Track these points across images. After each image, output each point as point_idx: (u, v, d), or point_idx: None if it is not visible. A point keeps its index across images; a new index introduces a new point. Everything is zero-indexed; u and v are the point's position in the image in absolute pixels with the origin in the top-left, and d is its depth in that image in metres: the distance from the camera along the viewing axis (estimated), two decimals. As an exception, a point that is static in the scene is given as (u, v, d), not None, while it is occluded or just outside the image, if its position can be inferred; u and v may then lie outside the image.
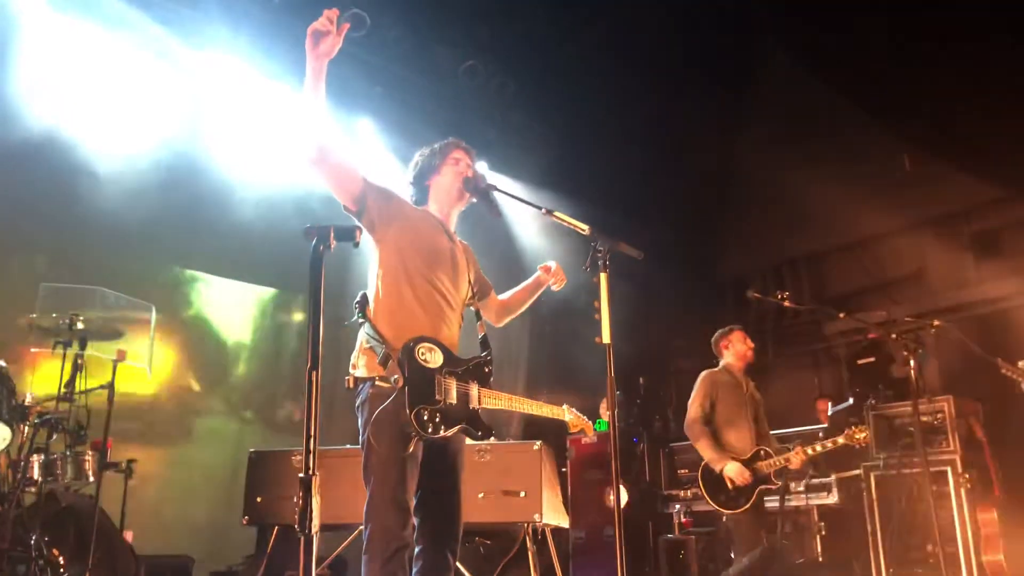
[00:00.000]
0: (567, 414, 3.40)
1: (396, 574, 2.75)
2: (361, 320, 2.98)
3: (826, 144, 7.12)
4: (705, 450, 4.94)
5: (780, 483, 5.00)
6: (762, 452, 4.94)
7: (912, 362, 4.48)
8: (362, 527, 2.81)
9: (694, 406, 5.07)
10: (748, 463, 4.87)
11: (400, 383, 2.77)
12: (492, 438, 5.16)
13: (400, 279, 3.00)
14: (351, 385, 2.93)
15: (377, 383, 2.82)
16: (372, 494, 2.82)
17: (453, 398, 2.89)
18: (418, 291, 3.00)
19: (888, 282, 7.49)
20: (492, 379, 3.10)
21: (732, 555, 5.01)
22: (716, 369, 5.26)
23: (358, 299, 3.03)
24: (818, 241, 7.97)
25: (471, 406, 2.96)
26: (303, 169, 2.91)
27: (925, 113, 6.65)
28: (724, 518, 4.99)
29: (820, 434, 5.97)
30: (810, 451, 4.91)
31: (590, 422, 3.51)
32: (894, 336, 4.70)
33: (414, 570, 2.92)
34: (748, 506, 4.81)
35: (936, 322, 4.79)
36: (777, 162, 6.97)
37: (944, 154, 6.57)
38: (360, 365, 2.94)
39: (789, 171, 6.86)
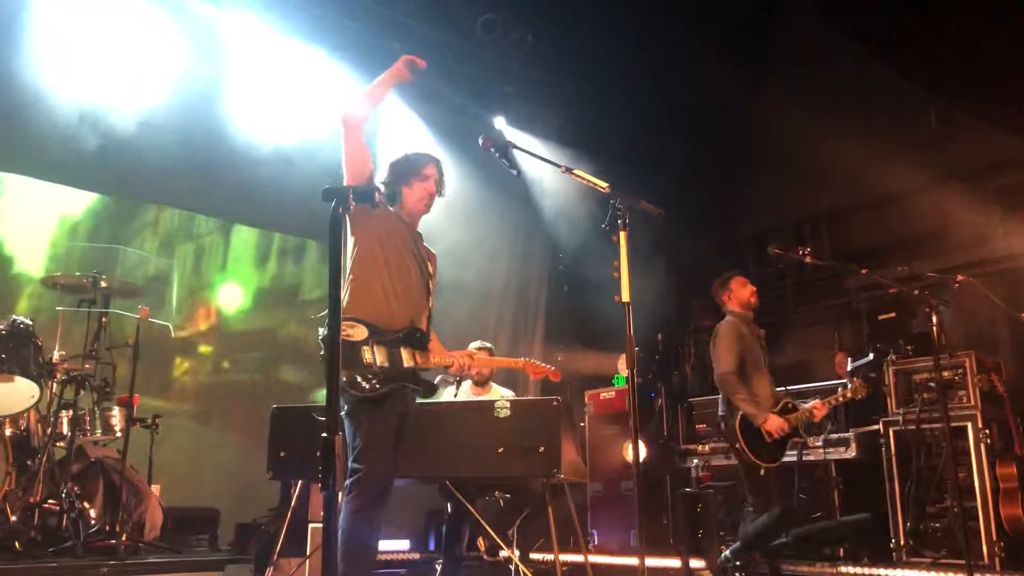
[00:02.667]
0: (523, 364, 3.82)
1: (380, 510, 3.22)
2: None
3: (850, 100, 6.98)
4: (743, 403, 4.78)
5: (803, 437, 5.00)
6: (789, 404, 4.87)
7: (934, 318, 4.44)
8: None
9: (726, 358, 4.86)
10: (781, 415, 4.79)
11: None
12: (508, 392, 5.24)
13: (373, 266, 3.42)
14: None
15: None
16: (360, 445, 3.25)
17: (385, 361, 3.31)
18: (391, 275, 3.43)
19: (911, 238, 7.38)
20: (428, 342, 3.51)
21: (750, 508, 4.90)
22: (733, 320, 5.06)
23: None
24: (840, 197, 7.86)
25: (405, 365, 3.37)
26: (335, 127, 3.41)
27: (953, 68, 6.49)
28: (753, 472, 4.80)
29: (838, 388, 5.96)
30: (832, 402, 4.91)
31: (553, 368, 3.88)
32: (916, 291, 4.66)
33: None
34: (782, 458, 4.78)
35: (960, 277, 4.73)
36: (798, 118, 6.83)
37: (971, 109, 6.43)
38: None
39: (811, 127, 6.73)
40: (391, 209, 3.64)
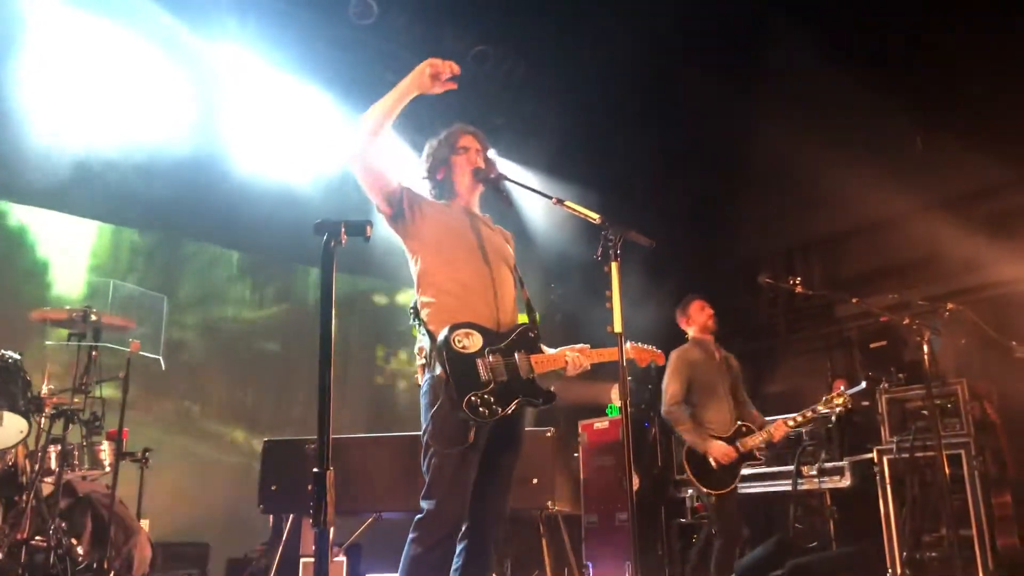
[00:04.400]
0: (632, 351, 3.35)
1: (444, 559, 2.76)
2: (413, 320, 3.04)
3: (838, 127, 7.04)
4: (687, 433, 4.87)
5: (764, 458, 5.03)
6: (743, 428, 4.91)
7: (925, 346, 4.46)
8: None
9: (670, 389, 4.97)
10: (730, 440, 4.84)
11: (443, 376, 2.77)
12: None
13: (438, 274, 3.02)
14: (419, 382, 2.98)
15: (432, 383, 2.84)
16: (430, 481, 2.81)
17: (503, 375, 2.85)
18: (458, 278, 3.00)
19: (901, 264, 7.43)
20: (539, 341, 3.05)
21: (715, 532, 4.88)
22: (685, 347, 5.17)
23: (411, 305, 3.08)
24: (830, 224, 7.91)
25: (524, 377, 2.91)
26: (343, 164, 2.99)
27: (939, 94, 6.57)
28: (706, 500, 4.91)
29: (832, 417, 5.96)
30: (791, 423, 4.89)
31: (659, 351, 3.47)
32: (906, 320, 4.68)
33: (459, 548, 2.90)
34: (734, 485, 4.79)
35: (950, 305, 4.75)
36: (788, 146, 6.90)
37: (958, 135, 6.50)
38: (421, 362, 2.98)
39: (800, 155, 6.80)
40: (443, 203, 3.22)
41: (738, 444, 4.82)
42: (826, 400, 4.84)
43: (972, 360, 6.35)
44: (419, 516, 2.78)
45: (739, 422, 4.95)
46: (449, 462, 2.79)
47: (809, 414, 4.90)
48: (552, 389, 3.01)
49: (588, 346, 3.19)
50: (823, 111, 7.16)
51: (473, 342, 2.84)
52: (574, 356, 3.09)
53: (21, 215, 6.13)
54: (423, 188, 3.28)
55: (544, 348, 3.08)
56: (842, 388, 6.31)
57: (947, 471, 4.73)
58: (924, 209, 6.91)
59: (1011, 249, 6.50)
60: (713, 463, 4.79)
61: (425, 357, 2.92)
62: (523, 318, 3.14)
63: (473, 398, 2.74)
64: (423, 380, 2.94)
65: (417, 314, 3.02)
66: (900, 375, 5.66)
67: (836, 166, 6.74)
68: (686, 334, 5.30)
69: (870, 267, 7.80)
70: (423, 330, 2.95)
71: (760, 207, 8.15)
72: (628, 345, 3.29)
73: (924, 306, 5.13)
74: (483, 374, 2.81)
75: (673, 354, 5.07)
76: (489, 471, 2.92)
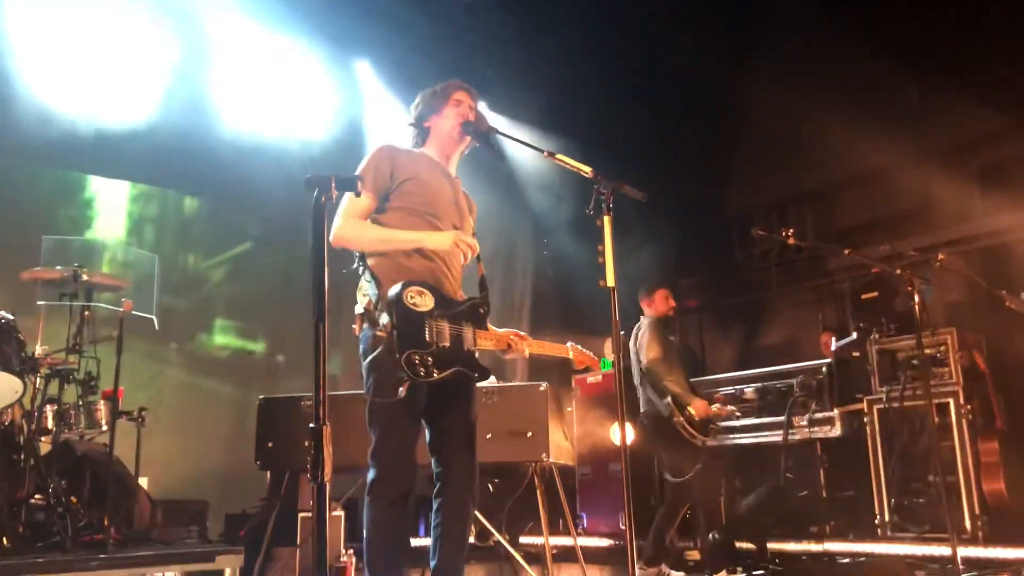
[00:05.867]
0: (571, 352, 3.38)
1: (398, 517, 2.85)
2: (359, 266, 3.00)
3: (832, 79, 6.99)
4: (671, 385, 5.23)
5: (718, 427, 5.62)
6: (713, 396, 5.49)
7: (916, 296, 4.48)
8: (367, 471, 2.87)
9: (653, 348, 5.29)
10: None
11: (389, 328, 2.76)
12: (493, 378, 5.25)
13: (400, 222, 3.01)
14: (357, 331, 2.96)
15: (376, 333, 2.82)
16: (376, 440, 2.88)
17: (446, 340, 2.86)
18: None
19: (893, 216, 7.43)
20: (488, 320, 3.08)
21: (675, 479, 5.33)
22: (652, 318, 5.53)
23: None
24: (823, 176, 7.89)
25: (465, 347, 2.93)
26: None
27: (933, 44, 6.51)
28: (689, 448, 5.25)
29: (823, 368, 6.02)
30: (730, 408, 5.69)
31: (596, 358, 3.48)
32: (898, 270, 4.69)
33: (434, 508, 3.00)
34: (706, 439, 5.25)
35: (941, 255, 4.76)
36: (781, 97, 6.85)
37: (953, 85, 6.45)
38: (359, 311, 2.96)
39: (793, 106, 6.75)
40: (422, 153, 3.22)
41: (714, 407, 5.28)
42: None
43: (963, 310, 6.39)
44: (368, 481, 2.86)
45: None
46: (383, 414, 2.85)
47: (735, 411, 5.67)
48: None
49: (526, 336, 3.20)
50: (817, 63, 7.10)
51: (425, 302, 2.84)
52: (516, 341, 3.13)
53: (14, 174, 6.06)
54: (404, 138, 3.28)
55: (490, 327, 3.09)
56: (832, 339, 6.39)
57: (935, 419, 4.79)
58: (917, 160, 6.89)
59: (1004, 199, 6.50)
60: (695, 416, 5.18)
61: (368, 307, 2.90)
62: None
63: (414, 356, 2.75)
64: (362, 329, 2.94)
65: (364, 260, 3.00)
66: (891, 326, 5.70)
67: (829, 117, 6.69)
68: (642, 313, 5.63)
69: (863, 219, 7.80)
70: (370, 278, 2.92)
71: (753, 160, 8.12)
72: (570, 345, 3.40)
73: (916, 256, 5.15)
74: (428, 335, 2.81)
75: (646, 322, 5.47)
76: (442, 434, 3.01)
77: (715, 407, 5.31)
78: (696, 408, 5.18)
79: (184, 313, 6.88)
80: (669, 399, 5.22)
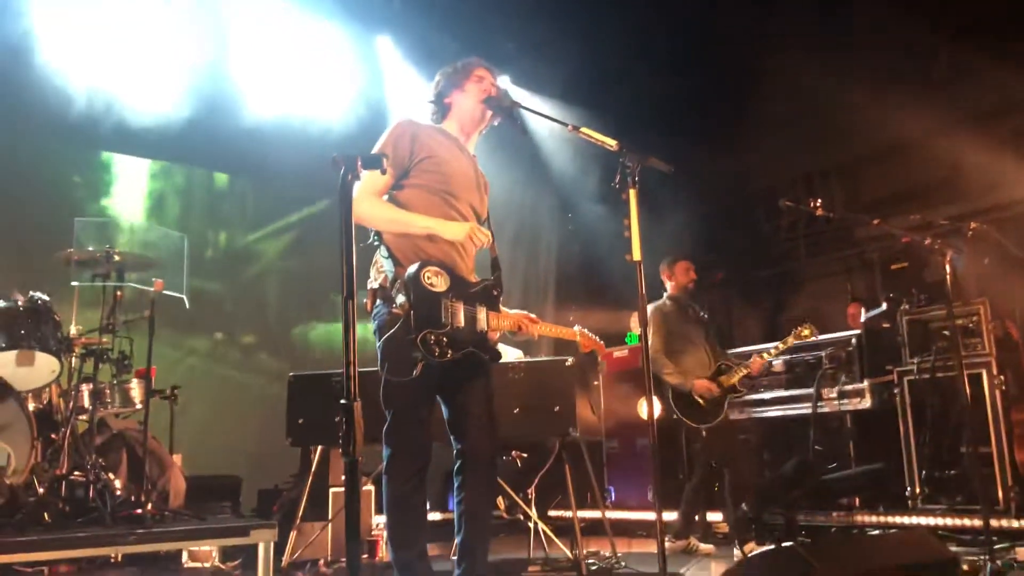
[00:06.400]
0: (578, 335, 3.37)
1: (415, 492, 2.89)
2: (376, 242, 3.01)
3: (858, 47, 6.84)
4: (669, 376, 5.33)
5: (745, 391, 5.53)
6: (723, 366, 5.37)
7: (947, 266, 4.41)
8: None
9: (653, 341, 5.39)
10: (712, 378, 5.31)
11: (406, 307, 2.78)
12: (520, 353, 5.27)
13: (418, 206, 3.01)
14: (368, 307, 2.99)
15: (392, 311, 2.83)
16: (391, 418, 2.91)
17: (460, 321, 2.87)
18: (434, 212, 3.00)
19: (923, 186, 7.31)
20: (500, 301, 3.09)
21: (713, 464, 5.42)
22: (660, 303, 5.59)
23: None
24: (850, 147, 7.77)
25: (479, 329, 2.95)
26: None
27: (960, 9, 6.36)
28: (703, 433, 5.35)
29: (853, 340, 5.97)
30: (766, 355, 5.39)
31: (601, 342, 3.47)
32: (928, 240, 4.62)
33: (456, 484, 3.03)
34: (724, 416, 5.26)
35: (973, 224, 4.68)
36: (807, 68, 6.73)
37: (981, 51, 6.30)
38: (373, 287, 2.98)
39: (820, 77, 6.63)
40: (439, 127, 3.21)
41: (720, 380, 5.29)
42: (795, 332, 5.25)
43: (995, 279, 6.29)
44: (385, 459, 2.90)
45: (719, 362, 5.42)
46: (398, 393, 2.87)
47: (781, 346, 5.36)
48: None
49: (537, 318, 3.20)
50: (845, 31, 6.96)
51: (441, 282, 2.86)
52: (527, 324, 3.14)
53: (48, 156, 6.13)
54: (423, 113, 3.26)
55: (503, 309, 3.11)
56: (861, 310, 6.33)
57: (967, 390, 4.74)
58: (947, 128, 6.75)
59: (1036, 165, 6.37)
60: (700, 400, 5.25)
61: (384, 284, 2.91)
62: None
63: (430, 335, 2.77)
64: (376, 305, 2.95)
65: (380, 236, 3.00)
66: (921, 296, 5.63)
67: (857, 87, 6.58)
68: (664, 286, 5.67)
69: (892, 189, 7.69)
70: (387, 255, 2.93)
71: (779, 131, 8.00)
72: (577, 328, 3.38)
73: (947, 226, 5.07)
74: (444, 316, 2.82)
75: (651, 309, 5.50)
76: (459, 411, 3.04)
77: (728, 374, 5.32)
78: (698, 390, 5.25)
79: (213, 293, 6.95)
80: (670, 394, 5.33)
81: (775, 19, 7.24)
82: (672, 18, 7.36)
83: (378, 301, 2.95)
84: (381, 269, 2.96)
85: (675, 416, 5.30)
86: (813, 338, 5.35)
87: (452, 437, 3.06)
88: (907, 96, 6.50)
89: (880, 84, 6.56)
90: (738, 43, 7.28)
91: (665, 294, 5.65)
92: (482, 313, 2.97)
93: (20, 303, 4.33)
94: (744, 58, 7.52)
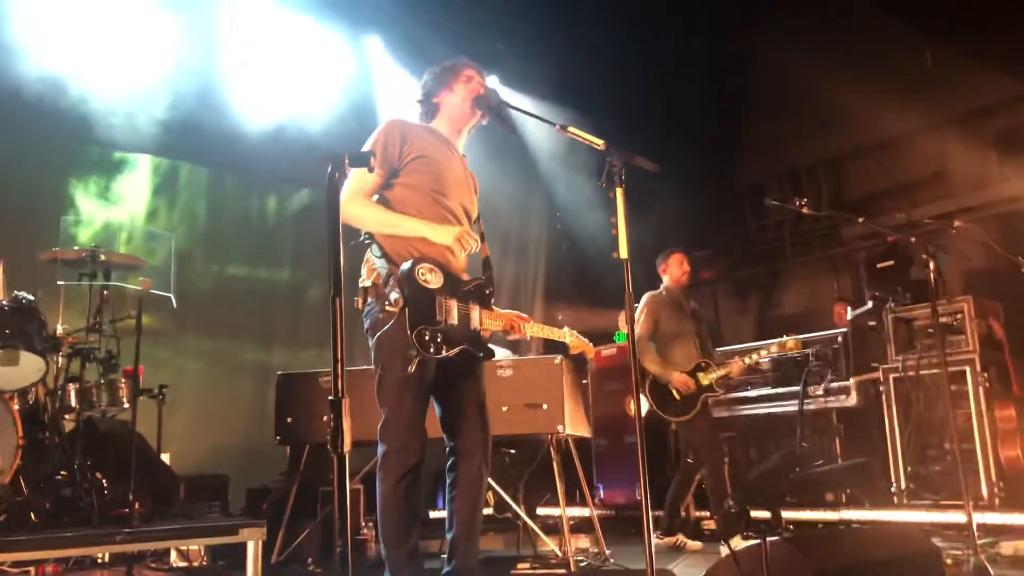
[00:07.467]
0: (568, 336, 3.39)
1: (410, 489, 2.90)
2: (368, 240, 3.01)
3: (844, 44, 6.90)
4: (650, 364, 5.32)
5: (722, 391, 5.54)
6: (703, 364, 5.34)
7: (931, 264, 4.45)
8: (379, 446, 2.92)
9: (640, 326, 5.39)
10: (691, 374, 5.28)
11: (400, 303, 2.79)
12: (508, 352, 5.29)
13: (408, 200, 3.02)
14: (360, 305, 2.98)
15: (386, 308, 2.83)
16: (385, 415, 2.92)
17: (454, 319, 2.89)
18: (425, 211, 3.01)
19: (908, 184, 7.37)
20: (493, 300, 3.10)
21: (689, 459, 5.44)
22: (656, 292, 5.58)
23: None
24: (836, 144, 7.83)
25: (472, 327, 2.97)
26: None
27: (947, 8, 6.41)
28: (674, 427, 5.48)
29: (839, 337, 6.01)
30: (747, 360, 5.38)
31: (590, 344, 3.49)
32: (913, 239, 4.66)
33: (448, 481, 3.04)
34: (694, 413, 5.22)
35: (957, 223, 4.72)
36: (794, 65, 6.77)
37: (967, 50, 6.35)
38: (365, 285, 2.98)
39: (806, 74, 6.68)
40: (431, 128, 3.22)
41: (699, 376, 5.27)
42: (780, 343, 5.28)
43: (980, 277, 6.35)
44: (380, 457, 2.91)
45: (701, 360, 5.38)
46: (393, 390, 2.89)
47: (764, 353, 5.38)
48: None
49: (528, 318, 3.21)
50: (830, 29, 7.00)
51: (435, 279, 2.87)
52: (518, 323, 3.15)
53: (33, 154, 6.08)
54: (412, 112, 3.27)
55: (494, 307, 3.12)
56: (847, 309, 6.37)
57: (951, 387, 4.78)
58: (932, 127, 6.82)
59: (1020, 165, 6.43)
60: (675, 393, 5.24)
61: (376, 282, 2.91)
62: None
63: (425, 332, 2.78)
64: (368, 303, 2.95)
65: (372, 235, 3.00)
66: (906, 294, 5.68)
67: (843, 85, 6.62)
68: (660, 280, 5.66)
69: (877, 187, 7.75)
70: (380, 253, 2.93)
71: (766, 129, 8.05)
72: (566, 330, 3.40)
73: (932, 224, 5.12)
74: (438, 313, 2.84)
75: (645, 297, 5.52)
76: (452, 408, 3.06)
77: (708, 371, 5.31)
78: (675, 383, 5.23)
79: (201, 291, 6.92)
80: (647, 383, 5.33)
81: (763, 18, 7.28)
82: (659, 18, 7.38)
83: (370, 299, 2.94)
84: (373, 267, 2.96)
85: (651, 407, 5.31)
86: (796, 352, 5.44)
87: (445, 435, 3.07)
88: (893, 94, 6.56)
89: (867, 82, 6.61)
90: (726, 43, 7.31)
91: (661, 286, 5.65)
92: (475, 311, 2.99)
93: (5, 303, 4.30)
94: (732, 57, 7.56)
